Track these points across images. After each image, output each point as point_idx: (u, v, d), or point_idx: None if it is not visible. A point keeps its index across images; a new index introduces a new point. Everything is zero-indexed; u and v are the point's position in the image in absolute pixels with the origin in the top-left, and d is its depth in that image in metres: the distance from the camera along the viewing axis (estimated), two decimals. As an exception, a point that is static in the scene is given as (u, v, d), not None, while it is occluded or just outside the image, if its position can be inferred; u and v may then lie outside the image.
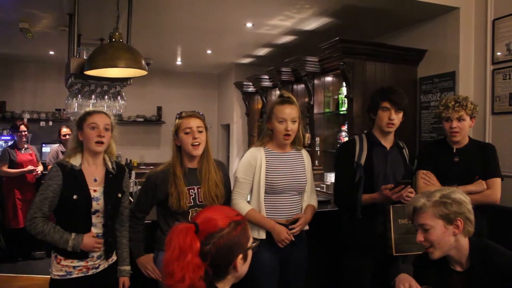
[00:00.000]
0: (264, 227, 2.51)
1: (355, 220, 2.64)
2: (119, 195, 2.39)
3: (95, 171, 2.34)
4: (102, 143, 2.30)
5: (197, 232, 1.30)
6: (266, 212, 2.54)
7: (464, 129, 2.69)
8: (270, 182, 2.54)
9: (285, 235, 2.47)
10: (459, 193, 1.87)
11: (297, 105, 2.60)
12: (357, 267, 2.69)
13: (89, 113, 2.34)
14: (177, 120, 2.48)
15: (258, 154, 2.58)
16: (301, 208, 2.64)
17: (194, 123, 2.43)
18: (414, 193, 2.55)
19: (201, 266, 1.27)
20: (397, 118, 2.66)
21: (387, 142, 2.75)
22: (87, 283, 2.29)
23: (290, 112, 2.53)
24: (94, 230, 2.29)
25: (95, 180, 2.32)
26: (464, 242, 1.85)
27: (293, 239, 2.50)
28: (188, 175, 2.46)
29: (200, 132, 2.43)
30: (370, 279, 2.68)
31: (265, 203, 2.55)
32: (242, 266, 1.37)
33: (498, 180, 2.67)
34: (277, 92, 5.64)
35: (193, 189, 2.45)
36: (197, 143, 2.41)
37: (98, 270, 2.33)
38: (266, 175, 2.54)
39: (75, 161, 2.29)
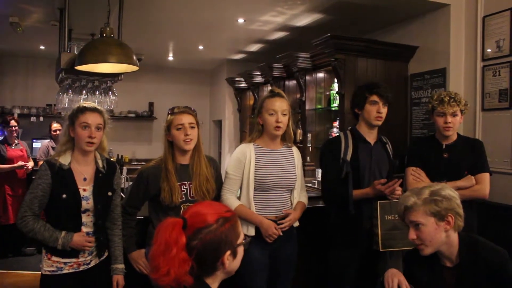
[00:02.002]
0: (252, 222, 2.52)
1: (341, 216, 2.66)
2: (110, 194, 2.37)
3: (85, 170, 2.32)
4: (93, 143, 2.27)
5: (185, 227, 1.30)
6: (256, 209, 2.54)
7: (456, 125, 2.73)
8: (259, 178, 2.54)
9: (273, 230, 2.47)
10: (448, 189, 1.88)
11: (287, 100, 2.61)
12: (343, 262, 2.70)
13: (81, 111, 2.27)
14: (169, 115, 2.48)
15: (247, 151, 2.58)
16: (291, 205, 2.63)
17: (186, 119, 2.43)
18: (400, 189, 2.57)
19: (186, 260, 1.26)
20: (384, 111, 2.71)
21: (371, 138, 2.77)
22: (78, 279, 2.28)
23: (281, 104, 2.54)
24: (84, 229, 2.28)
25: (85, 179, 2.30)
26: (454, 237, 1.86)
27: (281, 234, 2.50)
28: (180, 171, 2.46)
29: (192, 128, 2.44)
30: (355, 274, 2.70)
31: (254, 200, 2.55)
32: (231, 263, 1.36)
33: (487, 175, 2.70)
34: (269, 88, 5.63)
35: (185, 184, 2.45)
36: (189, 140, 2.42)
37: (89, 266, 2.32)
38: (255, 171, 2.54)
39: (64, 159, 2.26)
